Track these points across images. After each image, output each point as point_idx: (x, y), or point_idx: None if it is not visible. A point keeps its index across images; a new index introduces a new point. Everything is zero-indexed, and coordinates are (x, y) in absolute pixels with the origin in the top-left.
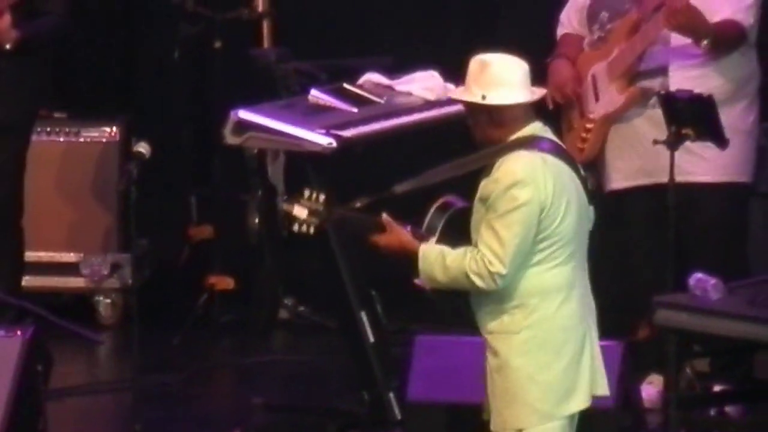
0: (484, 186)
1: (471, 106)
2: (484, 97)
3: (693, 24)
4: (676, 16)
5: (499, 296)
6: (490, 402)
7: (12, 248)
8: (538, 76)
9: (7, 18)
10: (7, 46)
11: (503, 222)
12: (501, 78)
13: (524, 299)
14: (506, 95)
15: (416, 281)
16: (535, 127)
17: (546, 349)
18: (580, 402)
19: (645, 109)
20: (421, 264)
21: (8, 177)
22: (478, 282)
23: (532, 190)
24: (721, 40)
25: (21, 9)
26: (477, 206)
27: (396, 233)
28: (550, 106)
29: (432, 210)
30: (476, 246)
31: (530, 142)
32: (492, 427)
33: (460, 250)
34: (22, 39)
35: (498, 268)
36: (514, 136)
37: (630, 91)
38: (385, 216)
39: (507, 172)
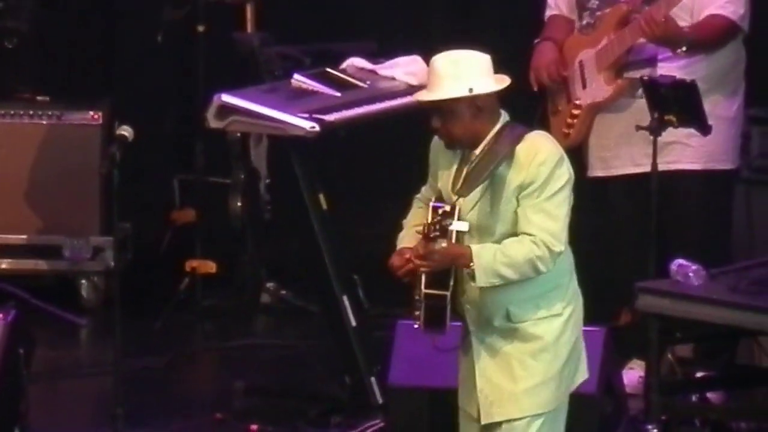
0: (523, 173)
1: (454, 104)
2: (471, 90)
3: (669, 36)
4: (653, 29)
5: (537, 282)
6: (510, 389)
7: None
8: (520, 59)
9: None
10: None
11: (554, 201)
12: (478, 69)
13: (559, 279)
14: (491, 84)
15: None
16: (506, 114)
17: (578, 323)
18: (585, 370)
19: (632, 99)
20: (478, 262)
21: None
22: (541, 267)
23: (568, 167)
24: (701, 42)
25: None
26: (507, 197)
27: (437, 245)
28: (535, 88)
29: (432, 217)
30: (522, 234)
31: (522, 125)
32: (517, 414)
33: (513, 241)
34: None
35: (559, 247)
36: (498, 125)
37: (618, 84)
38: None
39: (550, 153)
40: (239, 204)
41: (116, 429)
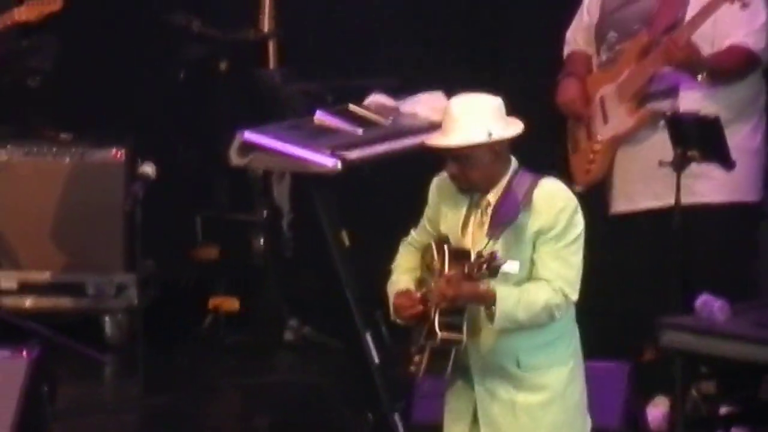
0: (542, 218)
1: (473, 149)
2: (490, 135)
3: (690, 61)
4: (675, 53)
5: (546, 330)
6: None
7: None
8: (542, 94)
9: None
10: None
11: (571, 249)
12: (494, 113)
13: (566, 329)
14: (507, 127)
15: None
16: (514, 159)
17: (582, 374)
18: (590, 421)
19: (654, 132)
20: (501, 305)
21: None
22: (557, 314)
23: (581, 215)
24: (721, 70)
25: None
26: (525, 243)
27: (465, 282)
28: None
29: (477, 258)
30: (538, 279)
31: (530, 170)
32: None
33: (533, 287)
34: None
35: (574, 296)
36: (511, 168)
37: (640, 114)
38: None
39: (569, 200)
40: (262, 241)
41: None
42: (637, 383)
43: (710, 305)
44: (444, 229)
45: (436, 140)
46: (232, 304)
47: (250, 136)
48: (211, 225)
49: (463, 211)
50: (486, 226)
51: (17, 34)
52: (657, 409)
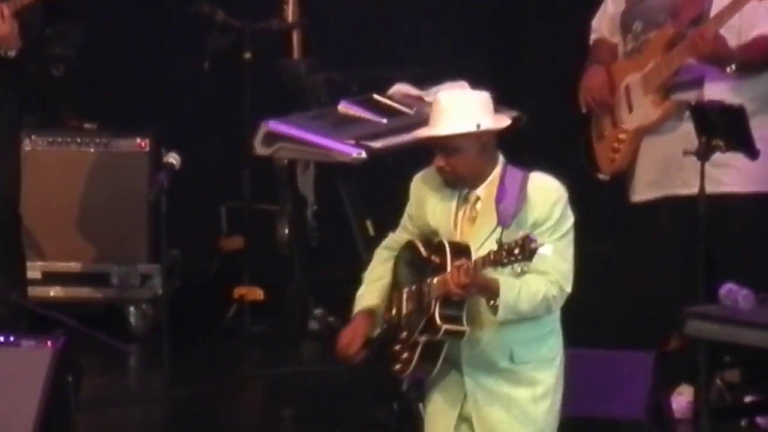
0: (536, 211)
1: (461, 140)
2: (478, 126)
3: (718, 54)
4: (703, 47)
5: (538, 324)
6: None
7: (20, 255)
8: (565, 84)
9: (15, 25)
10: (11, 54)
11: (565, 241)
12: (482, 106)
13: (554, 323)
14: (495, 120)
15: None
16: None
17: (563, 367)
18: None
19: (679, 122)
20: (505, 295)
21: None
22: (554, 306)
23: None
24: (749, 61)
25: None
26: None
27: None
28: (584, 110)
29: (501, 244)
30: (533, 271)
31: (517, 165)
32: None
33: (533, 279)
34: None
35: (569, 288)
36: (500, 163)
37: (665, 106)
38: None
39: (561, 192)
40: (286, 231)
41: None
42: (662, 372)
43: (735, 294)
44: (433, 224)
45: (424, 131)
46: (257, 294)
47: (274, 125)
48: (236, 215)
49: (453, 205)
50: (477, 221)
51: (41, 22)
52: (681, 398)
